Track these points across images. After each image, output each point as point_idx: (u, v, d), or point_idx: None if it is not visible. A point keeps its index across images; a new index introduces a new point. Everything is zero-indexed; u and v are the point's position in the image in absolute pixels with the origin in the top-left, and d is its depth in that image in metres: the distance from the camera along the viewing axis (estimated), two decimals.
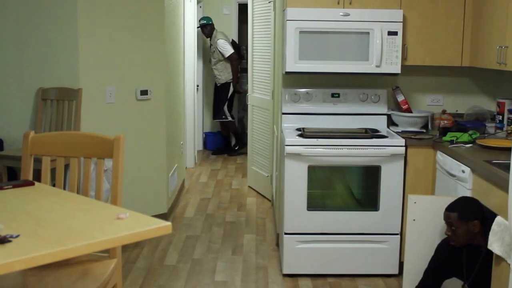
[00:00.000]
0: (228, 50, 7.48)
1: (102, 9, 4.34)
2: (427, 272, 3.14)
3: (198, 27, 7.48)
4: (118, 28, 4.44)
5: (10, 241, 1.62)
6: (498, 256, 2.62)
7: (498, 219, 2.61)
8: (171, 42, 5.12)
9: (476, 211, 2.91)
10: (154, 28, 4.65)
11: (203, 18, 7.69)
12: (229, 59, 7.50)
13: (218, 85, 7.74)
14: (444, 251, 3.07)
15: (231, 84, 7.65)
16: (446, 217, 2.97)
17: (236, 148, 8.05)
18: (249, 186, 6.20)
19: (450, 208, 2.97)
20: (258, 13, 5.81)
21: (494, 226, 2.62)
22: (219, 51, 7.50)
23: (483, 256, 2.87)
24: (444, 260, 3.07)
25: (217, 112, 7.90)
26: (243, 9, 7.71)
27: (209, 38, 7.70)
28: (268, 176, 5.57)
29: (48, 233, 1.75)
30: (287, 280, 3.78)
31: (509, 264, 2.50)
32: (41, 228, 1.80)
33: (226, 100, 7.74)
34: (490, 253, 2.73)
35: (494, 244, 2.61)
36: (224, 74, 7.64)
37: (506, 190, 2.61)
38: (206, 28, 7.65)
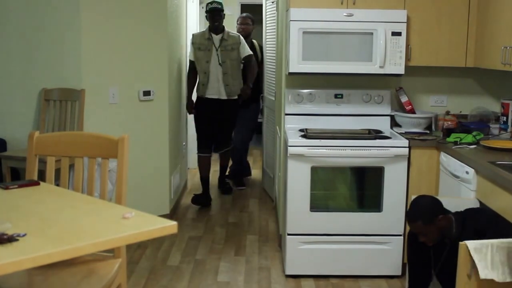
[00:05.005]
0: (248, 49, 5.58)
1: (104, 10, 4.35)
2: (413, 271, 3.17)
3: (207, 12, 5.44)
4: (120, 28, 4.44)
5: (17, 240, 1.63)
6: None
7: (474, 244, 2.35)
8: (173, 42, 5.12)
9: (434, 208, 2.93)
10: (157, 29, 4.65)
11: (215, 2, 5.41)
12: (249, 60, 5.54)
13: (228, 99, 5.44)
14: (413, 242, 3.11)
15: (239, 97, 5.54)
16: (413, 228, 2.99)
17: (228, 180, 6.13)
18: (263, 188, 6.17)
19: (411, 219, 2.98)
20: (269, 13, 5.77)
21: (474, 255, 2.33)
22: (239, 51, 5.44)
23: (448, 247, 2.89)
24: (415, 251, 3.12)
25: (224, 140, 5.69)
26: (244, 10, 7.70)
27: (212, 34, 5.37)
28: (272, 176, 5.56)
29: (55, 232, 1.76)
30: (290, 281, 3.77)
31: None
32: (48, 227, 1.81)
33: (235, 119, 5.70)
34: (454, 243, 2.69)
35: (486, 271, 2.32)
36: (236, 83, 5.47)
37: (510, 191, 2.61)
38: (218, 16, 5.36)
